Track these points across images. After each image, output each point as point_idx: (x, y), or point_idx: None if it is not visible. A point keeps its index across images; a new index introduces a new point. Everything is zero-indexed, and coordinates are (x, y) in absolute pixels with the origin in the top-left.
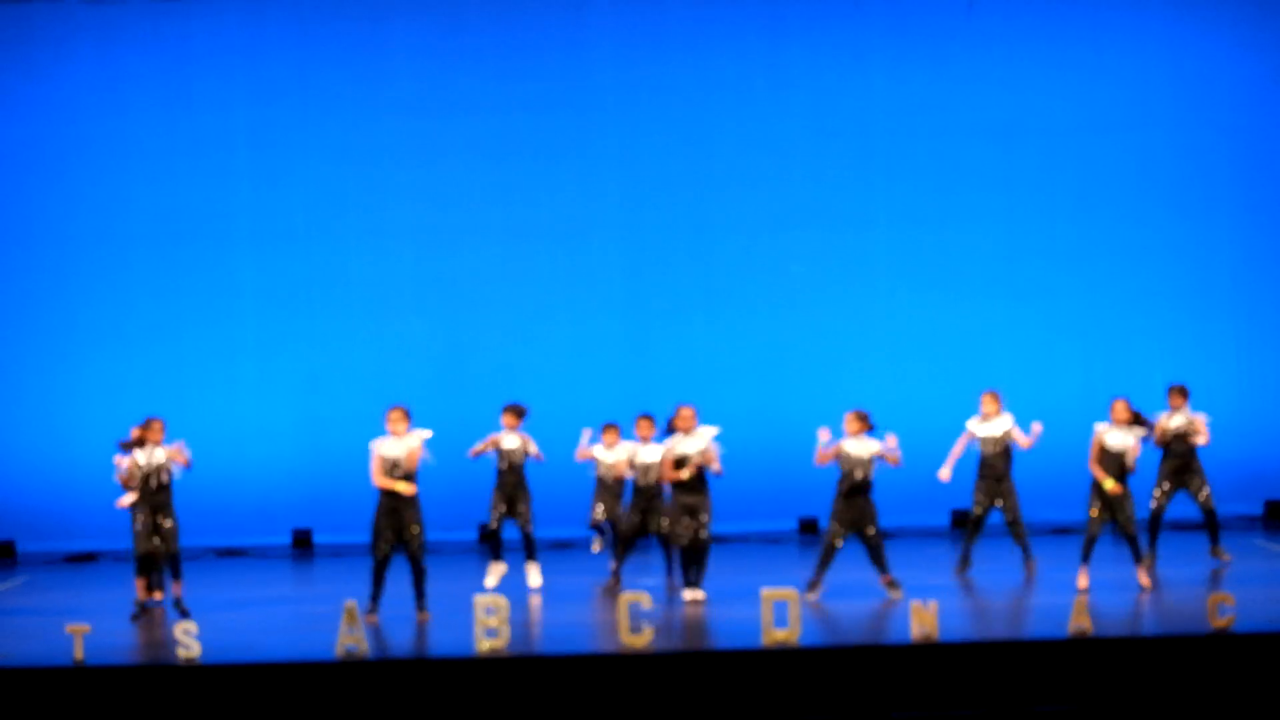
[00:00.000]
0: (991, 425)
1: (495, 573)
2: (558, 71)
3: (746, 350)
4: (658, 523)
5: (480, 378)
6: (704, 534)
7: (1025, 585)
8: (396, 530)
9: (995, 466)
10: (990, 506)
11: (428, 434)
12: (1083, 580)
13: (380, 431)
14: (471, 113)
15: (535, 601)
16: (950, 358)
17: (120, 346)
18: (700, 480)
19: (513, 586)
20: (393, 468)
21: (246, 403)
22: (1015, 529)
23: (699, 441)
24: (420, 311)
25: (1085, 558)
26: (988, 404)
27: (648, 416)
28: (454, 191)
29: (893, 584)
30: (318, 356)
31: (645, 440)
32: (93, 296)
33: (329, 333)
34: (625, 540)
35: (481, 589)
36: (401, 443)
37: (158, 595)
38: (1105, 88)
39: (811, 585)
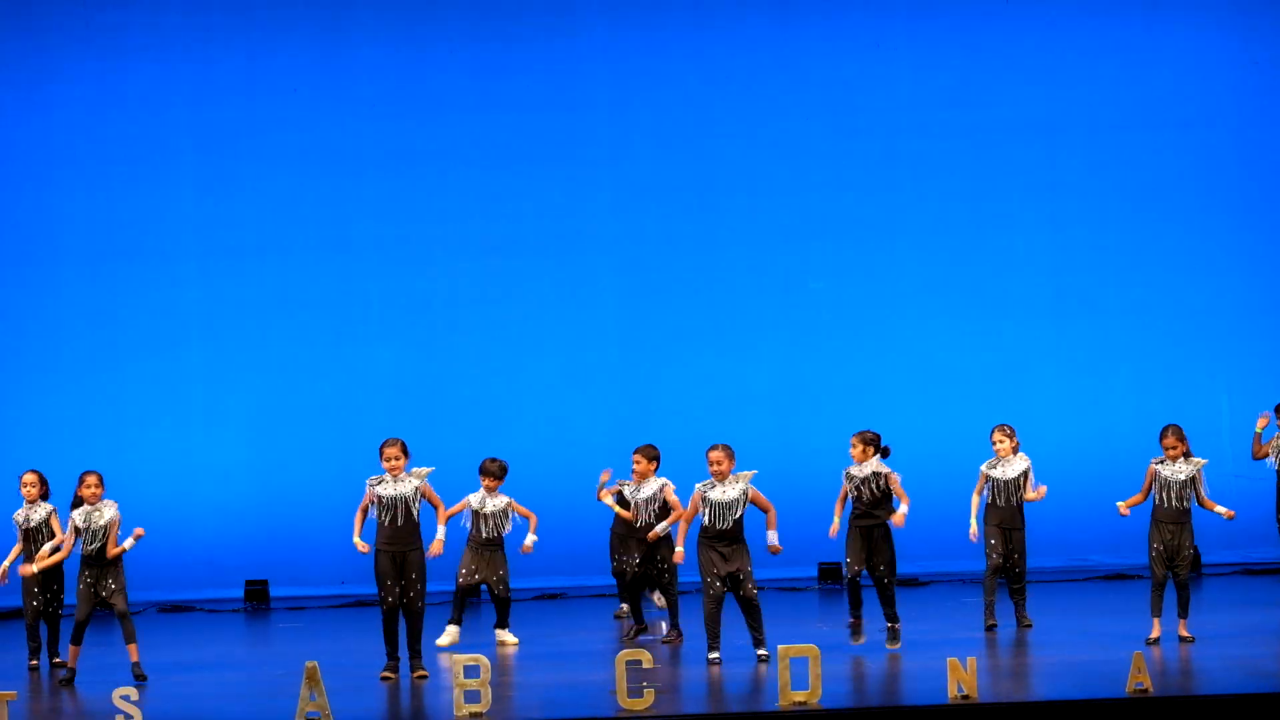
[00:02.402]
0: (1005, 467)
1: (451, 635)
2: (543, 65)
3: (759, 377)
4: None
5: (457, 412)
6: (750, 587)
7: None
8: (400, 579)
9: (1006, 513)
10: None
11: (429, 470)
12: (1155, 631)
13: (359, 468)
14: (446, 112)
15: (522, 661)
16: (989, 383)
17: (49, 378)
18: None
19: (495, 645)
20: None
21: (194, 440)
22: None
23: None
24: (388, 336)
25: (1154, 607)
26: (1000, 441)
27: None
28: (427, 202)
29: (893, 633)
30: (274, 388)
31: (641, 478)
32: (17, 322)
33: (286, 361)
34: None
35: (462, 648)
36: (402, 483)
37: (35, 662)
38: (1163, 79)
39: (853, 629)
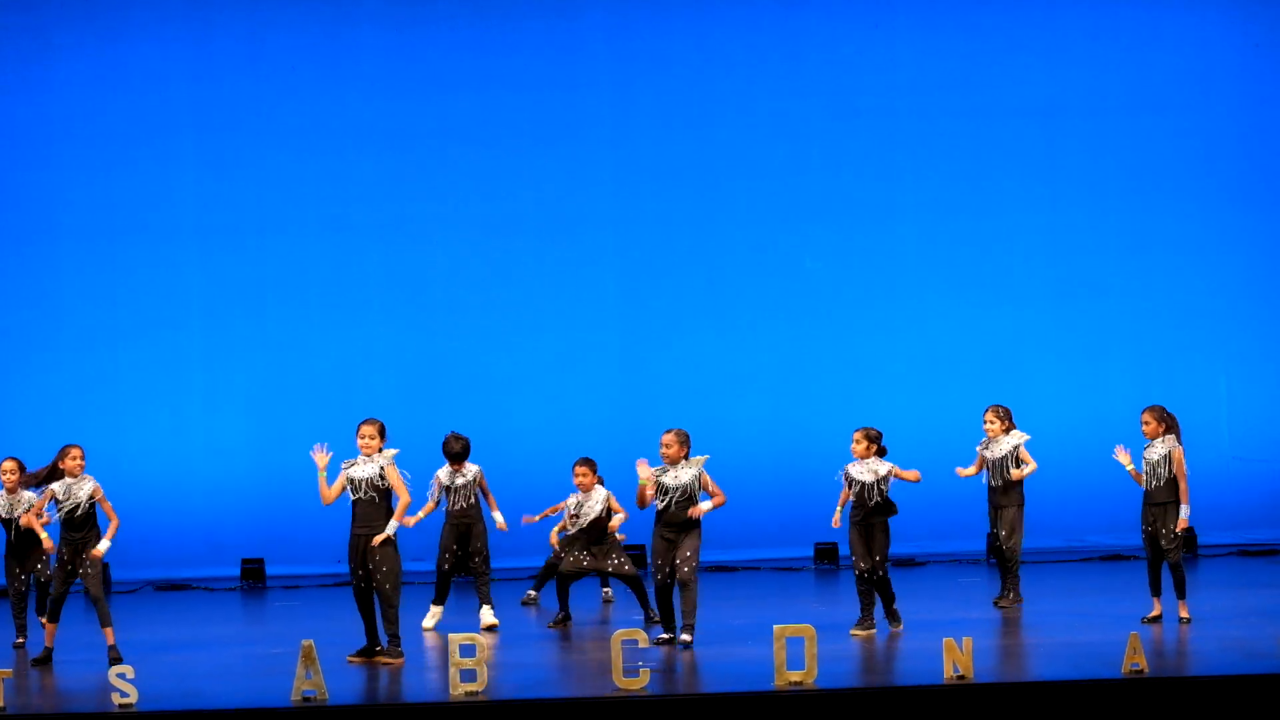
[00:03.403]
0: (994, 447)
1: (432, 615)
2: (543, 44)
3: (756, 358)
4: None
5: (456, 391)
6: (685, 569)
7: (1015, 619)
8: (362, 560)
9: (995, 492)
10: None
11: (394, 452)
12: (1155, 609)
13: (346, 450)
14: (446, 91)
15: (517, 640)
16: (987, 365)
17: (48, 356)
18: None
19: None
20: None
21: (193, 418)
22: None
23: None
24: (388, 316)
25: (1151, 586)
26: (990, 421)
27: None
28: (426, 180)
29: (895, 614)
30: (273, 366)
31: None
32: (16, 300)
33: (285, 340)
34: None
35: (458, 627)
36: (372, 463)
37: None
38: (1162, 61)
39: (862, 624)
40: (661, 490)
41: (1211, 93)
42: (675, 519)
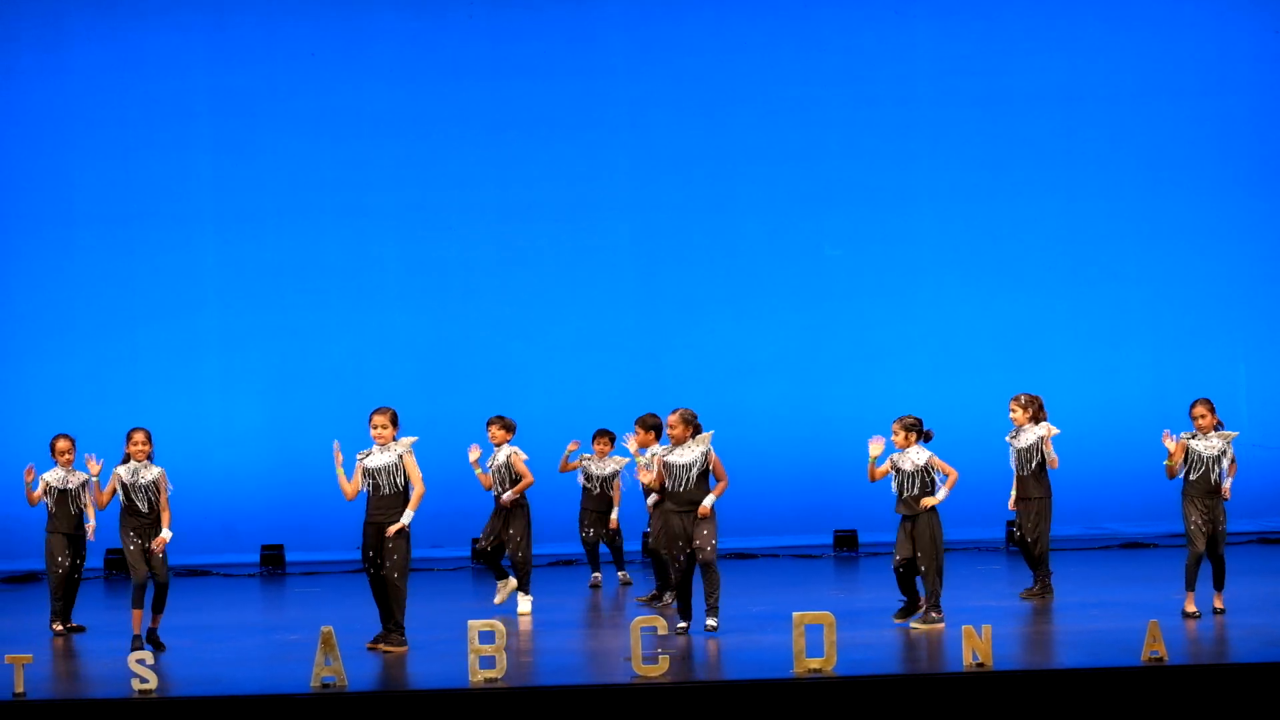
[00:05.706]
0: (1021, 436)
1: (504, 590)
2: (560, 31)
3: (774, 345)
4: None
5: (472, 377)
6: (708, 550)
7: (1044, 611)
8: (376, 549)
9: (1022, 484)
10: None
11: (412, 440)
12: (1190, 604)
13: (360, 439)
14: (463, 77)
15: (537, 627)
16: (1005, 352)
17: (66, 342)
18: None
19: (508, 610)
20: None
21: (209, 404)
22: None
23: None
24: (405, 302)
25: (1190, 580)
26: (1013, 410)
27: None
28: (443, 167)
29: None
30: (289, 352)
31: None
32: (34, 285)
33: (302, 326)
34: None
35: (477, 613)
36: (388, 452)
37: (59, 626)
38: (1181, 47)
39: (906, 609)
40: (668, 470)
41: (1229, 79)
42: (684, 498)
